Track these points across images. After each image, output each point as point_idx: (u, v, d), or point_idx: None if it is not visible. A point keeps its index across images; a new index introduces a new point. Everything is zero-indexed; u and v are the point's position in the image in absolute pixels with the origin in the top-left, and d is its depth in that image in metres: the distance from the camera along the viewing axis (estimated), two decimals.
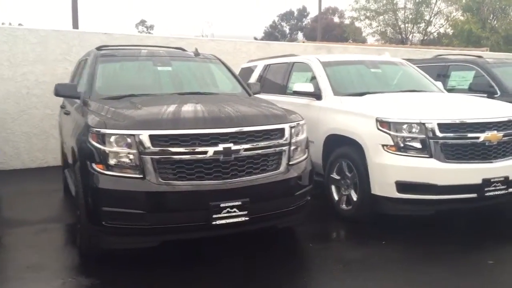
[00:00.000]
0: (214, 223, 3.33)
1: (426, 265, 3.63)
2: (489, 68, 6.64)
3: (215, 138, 3.40)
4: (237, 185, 3.43)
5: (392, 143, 4.27)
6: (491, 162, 4.29)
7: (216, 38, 9.45)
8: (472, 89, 6.46)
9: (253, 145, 3.53)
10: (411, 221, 4.51)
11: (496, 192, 4.27)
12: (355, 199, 4.64)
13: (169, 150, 3.28)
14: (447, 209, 4.37)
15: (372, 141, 4.39)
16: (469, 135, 4.24)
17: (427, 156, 4.21)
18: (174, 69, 4.85)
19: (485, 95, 6.27)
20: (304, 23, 65.02)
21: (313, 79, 5.62)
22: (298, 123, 3.95)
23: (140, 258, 3.68)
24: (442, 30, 29.38)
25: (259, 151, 3.57)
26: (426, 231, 4.40)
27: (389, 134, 4.28)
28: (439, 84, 6.03)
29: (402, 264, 3.67)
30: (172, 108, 3.60)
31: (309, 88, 5.37)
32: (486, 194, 4.23)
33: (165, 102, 3.83)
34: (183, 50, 5.62)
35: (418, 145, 4.24)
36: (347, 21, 36.73)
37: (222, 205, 3.33)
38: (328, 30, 51.52)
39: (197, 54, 5.26)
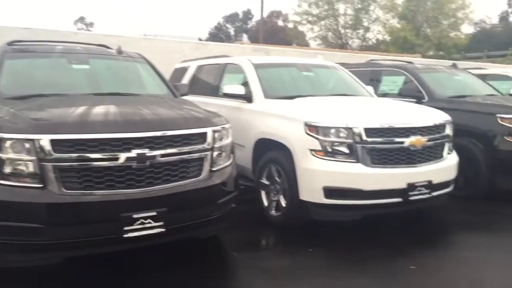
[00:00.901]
0: (125, 236, 3.06)
1: (351, 272, 3.57)
2: (417, 73, 6.80)
3: (128, 143, 3.12)
4: (153, 194, 3.17)
5: (320, 148, 4.19)
6: (416, 167, 4.32)
7: (150, 37, 9.10)
8: (401, 94, 6.58)
9: (171, 151, 3.29)
10: (340, 227, 4.46)
11: (420, 196, 4.30)
12: (284, 205, 4.52)
13: (75, 157, 2.96)
14: (374, 213, 4.35)
15: (300, 145, 4.29)
16: (395, 139, 4.24)
17: (354, 161, 4.16)
18: (92, 67, 4.50)
19: (414, 100, 6.40)
20: (249, 26, 65.39)
21: (245, 81, 5.47)
22: (223, 127, 3.76)
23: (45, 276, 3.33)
24: (380, 37, 30.52)
25: (178, 157, 3.34)
26: (354, 237, 4.35)
27: (317, 139, 4.20)
28: (370, 88, 6.06)
29: (327, 272, 3.58)
30: (81, 109, 3.28)
31: (240, 90, 5.21)
32: (410, 198, 4.25)
33: (76, 103, 3.50)
34: (107, 47, 5.27)
35: (345, 150, 4.18)
36: (291, 25, 37.20)
37: (134, 216, 3.07)
38: (273, 33, 52.02)
39: (120, 52, 4.93)
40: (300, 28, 32.78)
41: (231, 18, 67.35)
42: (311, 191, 4.22)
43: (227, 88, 5.29)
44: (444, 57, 23.48)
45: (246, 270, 3.61)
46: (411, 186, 4.23)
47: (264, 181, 4.82)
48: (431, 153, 4.49)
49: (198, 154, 3.46)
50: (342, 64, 8.25)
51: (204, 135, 3.52)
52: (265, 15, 58.79)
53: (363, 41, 30.07)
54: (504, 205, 5.48)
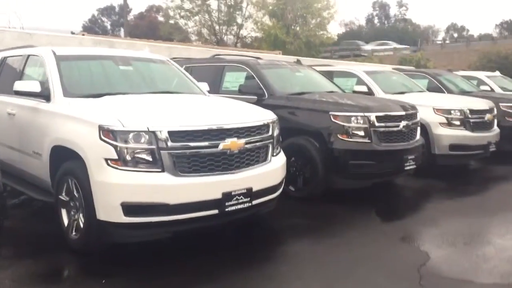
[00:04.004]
0: None
1: None
2: (259, 70, 6.43)
3: None
4: None
5: (116, 157, 3.48)
6: (233, 173, 3.83)
7: None
8: (242, 91, 6.16)
9: None
10: (153, 247, 3.82)
11: (239, 206, 3.82)
12: (82, 226, 3.74)
13: None
14: (186, 229, 3.78)
15: (94, 154, 3.55)
16: (206, 143, 3.69)
17: (158, 170, 3.53)
18: None
19: (255, 97, 6.04)
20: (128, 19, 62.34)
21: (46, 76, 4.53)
22: None
23: None
24: (254, 34, 30.83)
25: None
26: (159, 260, 3.71)
27: (113, 146, 3.49)
28: (203, 85, 5.48)
29: None
30: None
31: (34, 87, 4.27)
32: (227, 209, 3.75)
33: None
34: None
35: (147, 157, 3.53)
36: (172, 21, 35.85)
37: None
38: (152, 28, 50.13)
39: None
40: (178, 23, 31.77)
41: (107, 11, 63.42)
42: (108, 208, 3.50)
43: (18, 85, 4.32)
44: (314, 56, 24.44)
45: None
46: (228, 196, 3.73)
47: (63, 197, 3.98)
48: (252, 157, 4.05)
49: None
50: (188, 59, 7.72)
51: None
52: (143, 9, 56.55)
53: (237, 38, 30.08)
54: (335, 206, 5.33)
